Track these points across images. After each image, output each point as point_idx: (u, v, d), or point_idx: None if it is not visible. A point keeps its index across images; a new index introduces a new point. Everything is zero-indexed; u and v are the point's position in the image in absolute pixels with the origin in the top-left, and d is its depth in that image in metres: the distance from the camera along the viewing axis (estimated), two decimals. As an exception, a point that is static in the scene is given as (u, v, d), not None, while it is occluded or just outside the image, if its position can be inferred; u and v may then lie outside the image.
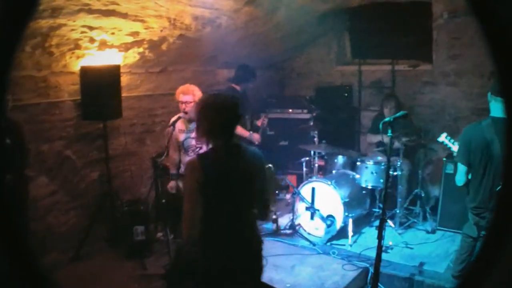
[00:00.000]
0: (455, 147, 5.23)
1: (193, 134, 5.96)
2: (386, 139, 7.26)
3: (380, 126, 4.82)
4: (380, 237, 4.51)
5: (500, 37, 1.64)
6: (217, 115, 3.52)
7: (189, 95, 5.92)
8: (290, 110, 8.82)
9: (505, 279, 1.68)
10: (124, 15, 5.87)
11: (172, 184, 6.25)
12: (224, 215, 3.50)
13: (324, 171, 7.75)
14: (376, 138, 7.89)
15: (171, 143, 6.13)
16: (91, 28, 5.99)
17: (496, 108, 4.77)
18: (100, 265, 6.44)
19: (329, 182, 6.72)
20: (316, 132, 7.59)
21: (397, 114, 4.98)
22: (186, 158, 6.09)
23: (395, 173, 7.05)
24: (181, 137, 6.10)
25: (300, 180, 7.76)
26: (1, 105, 2.08)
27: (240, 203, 3.57)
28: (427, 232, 7.11)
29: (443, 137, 5.35)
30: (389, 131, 4.74)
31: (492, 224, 2.10)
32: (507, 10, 1.59)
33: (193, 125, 5.98)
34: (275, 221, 7.25)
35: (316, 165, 7.55)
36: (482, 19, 1.70)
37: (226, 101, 3.69)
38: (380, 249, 4.55)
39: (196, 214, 3.38)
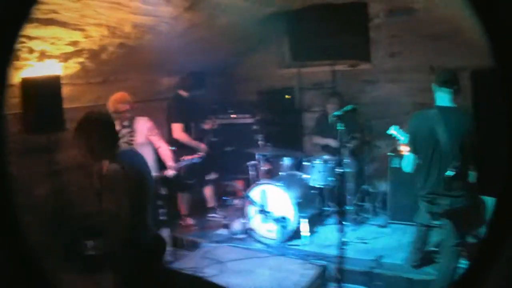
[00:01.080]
0: (404, 139, 5.31)
1: (125, 139, 6.16)
2: (332, 142, 7.41)
3: (331, 119, 4.87)
4: (341, 231, 4.52)
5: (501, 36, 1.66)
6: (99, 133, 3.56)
7: (125, 103, 6.10)
8: (234, 116, 8.78)
9: (502, 283, 1.69)
10: (64, 24, 5.71)
11: None
12: None
13: (271, 174, 7.73)
14: (321, 140, 7.94)
15: None
16: (30, 38, 5.81)
17: (441, 98, 4.92)
18: (56, 282, 6.23)
19: (279, 184, 6.70)
20: (261, 135, 7.58)
21: (346, 108, 5.06)
22: None
23: (343, 171, 7.09)
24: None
25: (248, 185, 7.73)
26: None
27: None
28: (380, 226, 7.20)
29: (393, 130, 5.41)
30: (339, 124, 4.79)
31: (490, 228, 2.12)
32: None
33: (125, 130, 6.23)
34: (227, 226, 7.20)
35: (263, 168, 7.54)
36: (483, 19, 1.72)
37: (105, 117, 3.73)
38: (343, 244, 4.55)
39: None
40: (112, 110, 6.03)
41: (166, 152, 6.47)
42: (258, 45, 9.26)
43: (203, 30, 7.33)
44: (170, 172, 6.32)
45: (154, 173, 6.05)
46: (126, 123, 6.16)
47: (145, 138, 6.32)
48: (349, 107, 5.12)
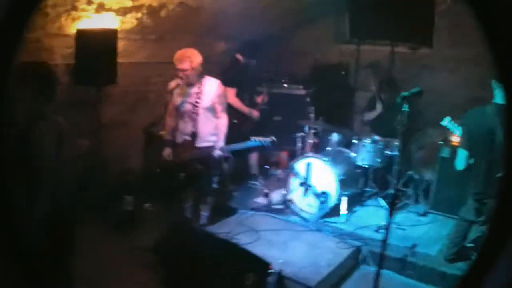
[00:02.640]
0: (457, 132, 5.18)
1: (192, 99, 5.86)
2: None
3: (399, 100, 4.78)
4: (391, 214, 4.41)
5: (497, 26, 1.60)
6: None
7: (186, 62, 5.77)
8: (286, 85, 8.69)
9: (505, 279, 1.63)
10: (125, -23, 5.75)
11: (167, 151, 6.11)
12: None
13: (318, 148, 7.64)
14: (371, 114, 7.83)
15: (168, 109, 6.04)
16: (89, -11, 5.85)
17: (501, 95, 4.73)
18: (85, 236, 6.32)
19: (325, 159, 6.63)
20: (312, 108, 7.48)
21: (414, 90, 4.93)
22: (181, 124, 6.03)
23: (391, 153, 7.00)
24: (178, 100, 5.98)
25: (293, 156, 7.67)
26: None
27: None
28: (419, 214, 7.06)
29: (446, 121, 5.29)
30: (406, 106, 4.70)
31: (493, 222, 2.05)
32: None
33: (191, 89, 5.92)
34: (267, 195, 7.18)
35: (310, 141, 7.45)
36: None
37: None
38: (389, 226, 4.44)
39: None
40: (177, 66, 5.81)
41: (223, 126, 6.08)
42: (315, 18, 9.12)
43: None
44: (217, 153, 5.94)
45: (213, 140, 6.03)
46: (182, 79, 5.91)
47: (211, 103, 5.97)
48: (416, 90, 5.01)
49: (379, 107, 7.70)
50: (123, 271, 5.50)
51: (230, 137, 6.21)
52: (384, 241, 4.34)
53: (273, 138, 6.11)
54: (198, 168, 6.02)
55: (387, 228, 4.31)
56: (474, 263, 1.90)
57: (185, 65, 5.76)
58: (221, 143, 5.99)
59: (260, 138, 6.01)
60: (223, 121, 6.07)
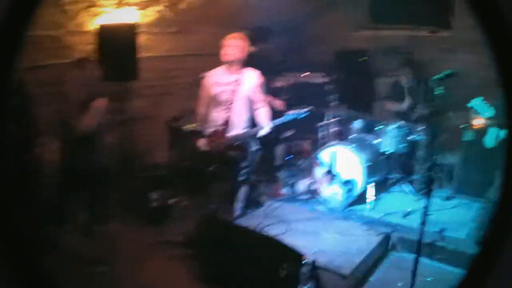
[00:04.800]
0: (487, 113, 5.11)
1: (229, 87, 5.88)
2: (404, 106, 7.25)
3: (431, 84, 4.76)
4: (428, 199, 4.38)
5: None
6: None
7: (240, 41, 5.84)
8: (308, 73, 8.64)
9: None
10: (144, -29, 5.74)
11: (202, 141, 6.10)
12: None
13: (341, 136, 7.61)
14: (392, 106, 7.78)
15: (200, 98, 6.04)
16: (108, -16, 5.84)
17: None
18: (116, 231, 6.36)
19: (350, 146, 6.61)
20: (334, 96, 7.45)
21: (446, 72, 4.89)
22: (214, 113, 6.04)
23: (416, 138, 6.97)
24: (216, 90, 5.97)
25: (316, 145, 7.64)
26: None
27: None
28: (444, 198, 7.03)
29: (477, 102, 5.20)
30: (437, 89, 4.67)
31: (491, 229, 2.06)
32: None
33: (229, 78, 5.92)
34: (292, 185, 7.17)
35: (333, 129, 7.43)
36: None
37: None
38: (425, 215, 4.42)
39: None
40: (221, 47, 5.84)
41: (265, 114, 6.05)
42: (334, 4, 9.07)
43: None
44: (264, 131, 5.92)
45: (243, 130, 6.03)
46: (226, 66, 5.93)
47: (250, 92, 5.97)
48: (448, 72, 4.96)
49: (407, 101, 7.64)
50: (154, 264, 5.51)
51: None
52: (422, 225, 4.35)
53: (309, 107, 6.13)
54: (231, 156, 6.03)
55: (424, 213, 4.31)
56: (475, 264, 1.90)
57: (239, 43, 5.83)
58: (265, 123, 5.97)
59: (297, 111, 6.02)
60: (264, 110, 6.07)
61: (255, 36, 7.39)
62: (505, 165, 1.88)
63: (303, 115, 6.02)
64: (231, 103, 5.93)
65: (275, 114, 6.41)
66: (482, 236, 5.46)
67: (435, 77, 4.81)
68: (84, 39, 6.37)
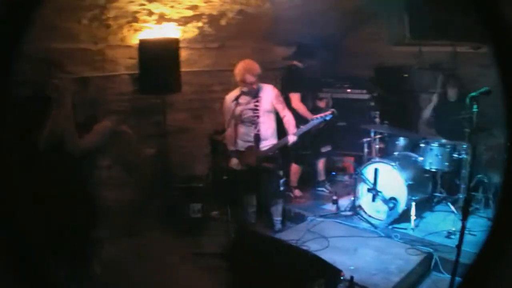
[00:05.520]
0: None
1: (250, 105, 5.99)
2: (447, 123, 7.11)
3: (468, 100, 4.66)
4: (464, 219, 4.27)
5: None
6: None
7: (251, 75, 5.96)
8: (349, 90, 8.57)
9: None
10: (184, -13, 5.80)
11: (234, 161, 6.23)
12: None
13: (385, 153, 7.51)
14: (437, 123, 7.68)
15: (226, 120, 6.16)
16: (149, 0, 5.90)
17: None
18: (153, 241, 6.40)
19: (393, 164, 6.49)
20: (377, 112, 7.36)
21: (482, 90, 4.77)
22: (243, 131, 6.17)
23: (460, 156, 6.81)
24: (239, 110, 6.09)
25: (359, 162, 7.57)
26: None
27: None
28: (490, 219, 6.82)
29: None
30: (475, 106, 4.57)
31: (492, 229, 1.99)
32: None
33: (251, 95, 6.09)
34: (335, 202, 7.10)
35: (377, 146, 7.33)
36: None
37: None
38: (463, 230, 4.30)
39: None
40: (238, 79, 6.02)
41: (291, 120, 6.25)
42: (373, 19, 8.98)
43: (320, 2, 7.16)
44: (292, 138, 6.08)
45: (274, 141, 6.13)
46: (246, 89, 6.06)
47: (271, 106, 6.18)
48: (484, 89, 4.84)
49: (434, 99, 7.54)
50: (189, 275, 5.55)
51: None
52: (459, 246, 4.22)
53: (334, 110, 6.26)
54: (266, 169, 6.13)
55: (460, 233, 4.18)
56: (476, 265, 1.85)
57: (252, 78, 5.96)
58: (292, 131, 6.13)
59: (321, 114, 6.17)
60: (289, 117, 6.28)
61: (297, 52, 7.41)
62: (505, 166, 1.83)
63: (328, 118, 6.13)
64: (257, 119, 6.10)
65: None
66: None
67: (472, 94, 4.70)
68: (127, 53, 6.47)
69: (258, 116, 6.11)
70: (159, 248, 6.20)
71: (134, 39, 6.34)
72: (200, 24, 6.63)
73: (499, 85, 1.70)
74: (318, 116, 6.15)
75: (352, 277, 4.64)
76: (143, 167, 6.94)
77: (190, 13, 6.35)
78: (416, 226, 6.48)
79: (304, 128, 6.19)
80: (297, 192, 7.65)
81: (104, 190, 6.35)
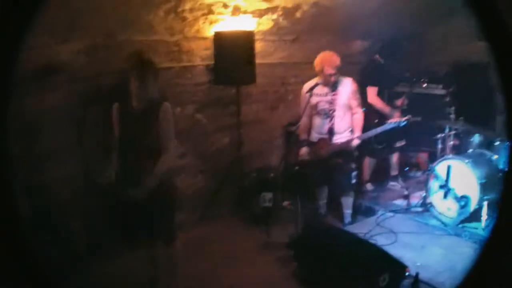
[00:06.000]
0: None
1: (328, 97, 5.97)
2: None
3: None
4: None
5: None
6: None
7: (331, 66, 5.98)
8: (425, 85, 8.43)
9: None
10: (259, -20, 5.85)
11: (304, 150, 6.27)
12: None
13: (459, 150, 7.36)
14: None
15: (303, 109, 6.13)
16: (224, -7, 6.00)
17: None
18: (224, 229, 6.54)
19: (466, 161, 6.37)
20: (453, 108, 7.23)
21: None
22: (318, 123, 6.19)
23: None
24: (315, 100, 6.12)
25: (432, 158, 7.46)
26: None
27: None
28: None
29: None
30: None
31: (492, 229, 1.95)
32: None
33: (327, 89, 6.10)
34: (406, 197, 7.04)
35: (451, 143, 7.21)
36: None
37: None
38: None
39: None
40: (317, 69, 6.05)
41: (359, 120, 6.21)
42: (455, 12, 8.77)
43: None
44: (355, 142, 6.08)
45: (349, 135, 6.12)
46: (322, 80, 6.09)
47: (347, 100, 6.15)
48: None
49: None
50: (258, 263, 5.66)
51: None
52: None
53: (409, 116, 6.20)
54: (337, 163, 6.12)
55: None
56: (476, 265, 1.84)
57: (331, 70, 5.98)
58: (358, 134, 6.12)
59: (396, 119, 6.12)
60: (359, 115, 6.21)
61: (377, 46, 7.36)
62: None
63: (403, 124, 6.06)
64: (332, 112, 6.10)
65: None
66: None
67: None
68: (203, 45, 6.60)
69: (334, 110, 6.10)
70: (229, 236, 6.33)
71: (210, 31, 6.45)
72: (275, 16, 6.65)
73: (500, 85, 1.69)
74: (393, 121, 6.13)
75: (417, 274, 4.65)
76: (216, 156, 7.08)
77: (265, 5, 6.38)
78: (487, 226, 6.32)
79: (372, 132, 6.19)
80: (369, 186, 7.63)
81: (178, 178, 6.56)
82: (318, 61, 6.05)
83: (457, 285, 2.37)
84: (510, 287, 1.66)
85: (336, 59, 6.01)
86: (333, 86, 6.10)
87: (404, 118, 6.07)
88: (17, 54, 1.70)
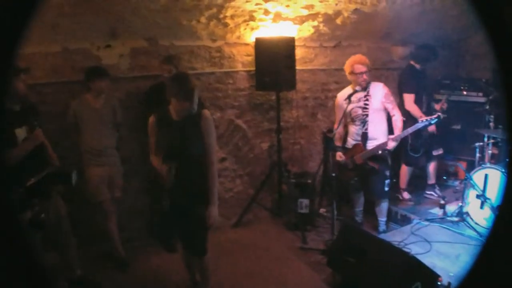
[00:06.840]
0: None
1: (360, 103, 6.05)
2: None
3: None
4: None
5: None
6: None
7: (363, 65, 6.00)
8: (465, 92, 8.37)
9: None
10: (300, -13, 5.92)
11: (339, 154, 6.31)
12: None
13: (498, 159, 7.30)
14: None
15: (337, 116, 6.31)
16: (266, 0, 6.08)
17: None
18: (261, 233, 6.64)
19: (504, 170, 6.33)
20: (492, 116, 7.18)
21: None
22: (352, 129, 6.23)
23: None
24: (350, 107, 6.14)
25: (471, 167, 7.38)
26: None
27: None
28: None
29: None
30: None
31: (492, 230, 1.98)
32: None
33: (360, 95, 6.12)
34: (443, 206, 7.00)
35: (490, 151, 7.14)
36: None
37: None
38: None
39: None
40: (348, 71, 6.09)
41: (398, 122, 6.16)
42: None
43: (438, 1, 7.07)
44: (391, 144, 6.01)
45: (384, 140, 6.07)
46: (359, 88, 6.10)
47: (380, 104, 6.13)
48: None
49: None
50: (293, 268, 5.71)
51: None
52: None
53: (439, 114, 6.14)
54: (372, 168, 6.14)
55: None
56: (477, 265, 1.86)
57: (364, 68, 5.99)
58: (396, 133, 6.08)
59: (428, 117, 6.05)
60: (397, 117, 6.16)
61: (414, 52, 7.34)
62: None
63: (434, 122, 6.04)
64: (366, 117, 6.10)
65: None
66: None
67: None
68: (244, 51, 6.71)
69: (367, 115, 6.11)
70: (266, 241, 6.41)
71: (251, 37, 6.56)
72: (315, 23, 6.72)
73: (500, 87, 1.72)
74: (424, 119, 6.06)
75: (449, 283, 4.65)
76: (256, 161, 7.17)
77: (306, 12, 6.45)
78: (523, 237, 6.29)
79: (404, 133, 6.09)
80: (405, 195, 7.58)
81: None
82: (347, 64, 6.10)
83: (457, 285, 2.40)
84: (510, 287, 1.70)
85: (365, 58, 6.05)
86: (365, 91, 6.14)
87: (434, 116, 6.02)
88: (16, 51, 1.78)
